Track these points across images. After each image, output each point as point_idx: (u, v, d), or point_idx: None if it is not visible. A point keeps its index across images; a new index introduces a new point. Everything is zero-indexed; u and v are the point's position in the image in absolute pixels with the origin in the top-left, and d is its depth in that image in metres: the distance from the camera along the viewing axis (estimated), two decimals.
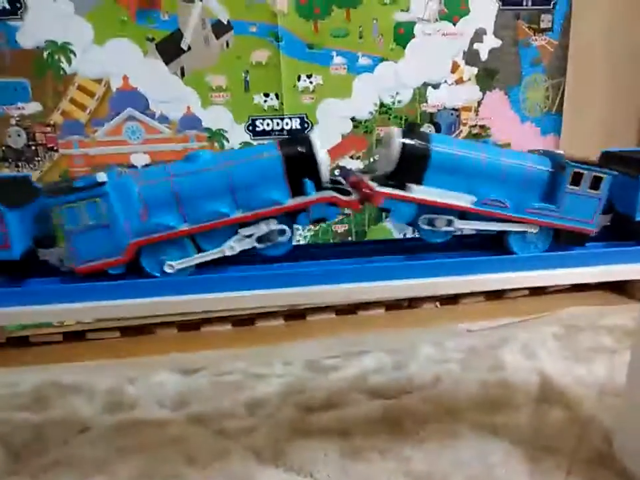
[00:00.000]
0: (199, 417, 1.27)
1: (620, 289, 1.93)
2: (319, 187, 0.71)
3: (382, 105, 1.67)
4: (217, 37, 1.52)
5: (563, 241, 0.78)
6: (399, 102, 1.67)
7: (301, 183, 0.70)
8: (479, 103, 1.73)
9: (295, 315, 1.87)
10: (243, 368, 1.47)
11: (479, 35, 1.66)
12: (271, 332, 1.80)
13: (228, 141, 1.61)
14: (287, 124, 1.62)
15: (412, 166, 0.72)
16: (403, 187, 0.72)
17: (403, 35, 1.61)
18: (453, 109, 1.72)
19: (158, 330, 1.78)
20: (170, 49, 1.51)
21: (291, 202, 0.70)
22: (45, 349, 1.68)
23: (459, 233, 0.77)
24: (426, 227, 0.75)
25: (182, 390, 1.38)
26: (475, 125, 1.74)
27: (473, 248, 0.80)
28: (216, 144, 1.60)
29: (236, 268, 0.74)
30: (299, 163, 0.70)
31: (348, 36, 1.58)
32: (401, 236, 1.78)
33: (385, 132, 0.75)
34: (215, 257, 0.70)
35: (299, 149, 0.70)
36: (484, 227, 0.77)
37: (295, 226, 0.73)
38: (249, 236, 0.70)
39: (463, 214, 0.76)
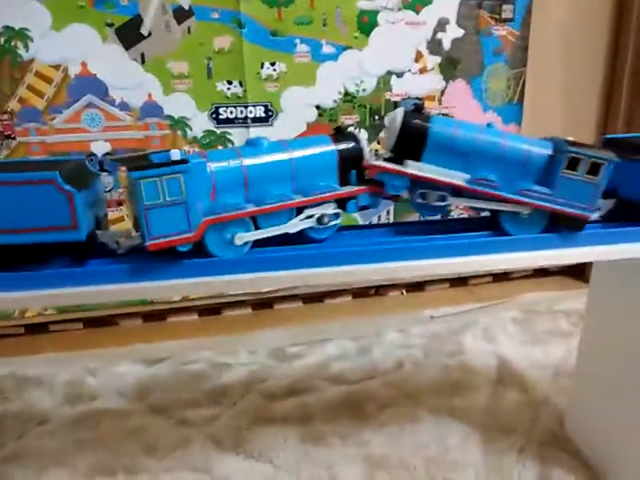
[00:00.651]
0: (160, 407, 1.27)
1: (577, 274, 1.98)
2: (361, 177, 0.78)
3: (346, 93, 1.67)
4: (179, 23, 1.50)
5: (559, 225, 0.79)
6: (364, 90, 1.68)
7: (347, 173, 0.77)
8: (442, 92, 1.74)
9: (263, 303, 1.87)
10: (207, 357, 1.47)
11: (441, 25, 1.67)
12: (238, 321, 1.80)
13: (191, 129, 1.59)
14: (250, 112, 1.61)
15: (411, 143, 0.76)
16: (401, 163, 0.77)
17: (367, 23, 1.61)
18: (417, 98, 1.73)
19: (122, 321, 1.76)
20: (130, 34, 1.48)
21: (346, 189, 0.77)
22: (6, 342, 1.65)
23: (452, 208, 0.81)
24: (420, 201, 0.78)
25: (144, 380, 1.37)
26: (439, 114, 1.76)
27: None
28: (179, 132, 1.58)
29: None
30: (350, 157, 0.77)
31: (311, 23, 1.58)
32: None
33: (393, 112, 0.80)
34: (279, 232, 0.75)
35: (352, 144, 0.78)
36: (475, 205, 0.79)
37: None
38: (311, 216, 0.75)
39: (458, 192, 0.78)
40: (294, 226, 0.75)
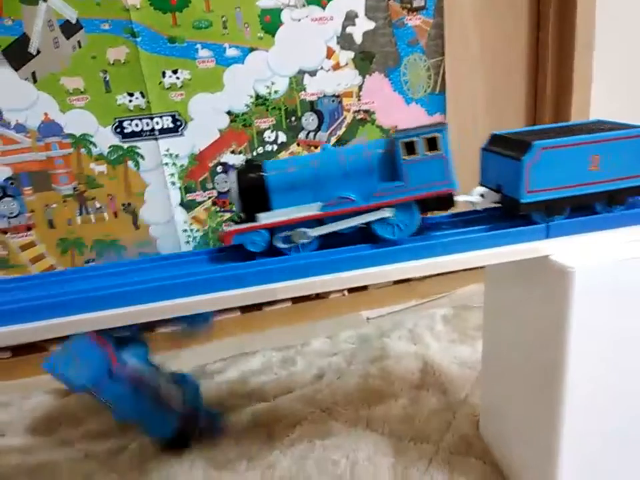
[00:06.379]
0: (67, 441, 1.22)
1: None
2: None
3: (258, 96, 1.61)
4: (67, 38, 1.43)
5: (429, 209, 0.78)
6: (276, 92, 1.62)
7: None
8: (360, 88, 1.69)
9: None
10: None
11: (350, 18, 1.61)
12: (171, 338, 1.75)
13: (95, 146, 1.53)
14: (157, 123, 1.55)
15: (255, 198, 0.77)
16: (254, 219, 0.77)
17: (270, 22, 1.55)
18: (334, 96, 1.67)
19: (51, 347, 1.70)
20: (18, 54, 1.42)
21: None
22: None
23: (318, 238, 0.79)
24: (286, 246, 0.78)
25: (56, 412, 1.32)
26: (359, 110, 1.71)
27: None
28: (83, 150, 1.52)
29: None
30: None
31: (211, 27, 1.51)
32: None
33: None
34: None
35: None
36: (339, 227, 0.78)
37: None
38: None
39: (320, 221, 0.78)
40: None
